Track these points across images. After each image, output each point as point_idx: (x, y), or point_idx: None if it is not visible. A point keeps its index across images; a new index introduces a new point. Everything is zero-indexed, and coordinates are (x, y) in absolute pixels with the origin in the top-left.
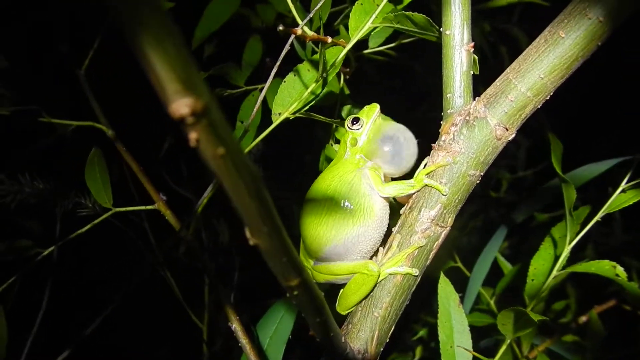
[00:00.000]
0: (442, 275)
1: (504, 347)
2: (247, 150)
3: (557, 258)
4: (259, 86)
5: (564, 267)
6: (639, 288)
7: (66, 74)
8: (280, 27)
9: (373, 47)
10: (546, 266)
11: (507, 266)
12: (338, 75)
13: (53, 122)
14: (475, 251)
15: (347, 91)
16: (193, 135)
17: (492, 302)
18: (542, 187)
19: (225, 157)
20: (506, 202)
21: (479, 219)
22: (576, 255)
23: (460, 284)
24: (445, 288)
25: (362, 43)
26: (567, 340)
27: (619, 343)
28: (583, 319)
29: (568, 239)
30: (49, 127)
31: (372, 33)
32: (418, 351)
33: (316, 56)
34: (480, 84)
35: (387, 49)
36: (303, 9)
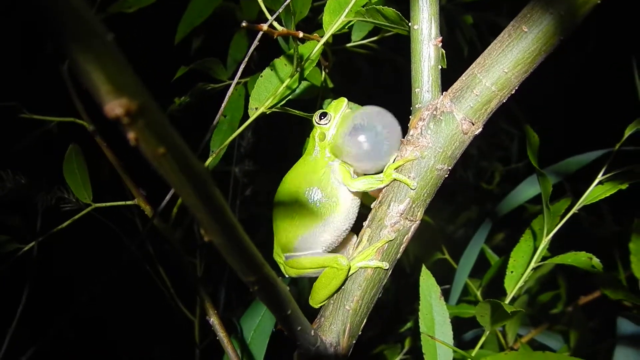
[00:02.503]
0: (423, 267)
1: (483, 339)
2: (224, 144)
3: (536, 250)
4: (242, 80)
5: (543, 259)
6: (625, 278)
7: (49, 70)
8: (244, 24)
9: (356, 40)
10: (526, 258)
11: (494, 258)
12: (319, 68)
13: (34, 118)
14: (468, 244)
15: (330, 84)
16: (131, 135)
17: (478, 294)
18: (527, 179)
19: (166, 157)
20: (500, 194)
21: (472, 211)
22: (565, 248)
23: (450, 276)
24: (426, 280)
25: (347, 36)
26: (554, 330)
27: (605, 333)
28: (569, 309)
29: (545, 231)
30: (31, 124)
31: (353, 26)
32: (407, 342)
33: (292, 51)
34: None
35: (370, 42)
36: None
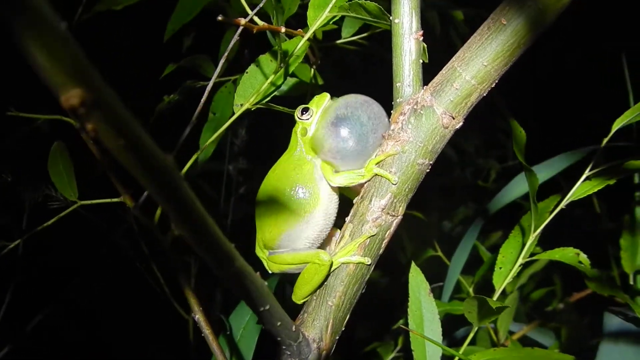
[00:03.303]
0: (412, 264)
1: (471, 335)
2: (210, 140)
3: (524, 246)
4: (232, 78)
5: (532, 255)
6: (618, 274)
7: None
8: (220, 17)
9: (346, 37)
10: (514, 254)
11: (487, 255)
12: (309, 64)
13: (21, 116)
14: None
15: (320, 81)
16: (89, 126)
17: (471, 290)
18: (517, 176)
19: (126, 147)
20: (496, 192)
21: (469, 209)
22: (557, 245)
23: (444, 274)
24: (415, 277)
25: (337, 33)
26: (547, 327)
27: (598, 330)
28: (560, 306)
29: (533, 227)
30: (18, 121)
31: (343, 23)
32: (400, 340)
33: (277, 47)
34: None
35: (361, 38)
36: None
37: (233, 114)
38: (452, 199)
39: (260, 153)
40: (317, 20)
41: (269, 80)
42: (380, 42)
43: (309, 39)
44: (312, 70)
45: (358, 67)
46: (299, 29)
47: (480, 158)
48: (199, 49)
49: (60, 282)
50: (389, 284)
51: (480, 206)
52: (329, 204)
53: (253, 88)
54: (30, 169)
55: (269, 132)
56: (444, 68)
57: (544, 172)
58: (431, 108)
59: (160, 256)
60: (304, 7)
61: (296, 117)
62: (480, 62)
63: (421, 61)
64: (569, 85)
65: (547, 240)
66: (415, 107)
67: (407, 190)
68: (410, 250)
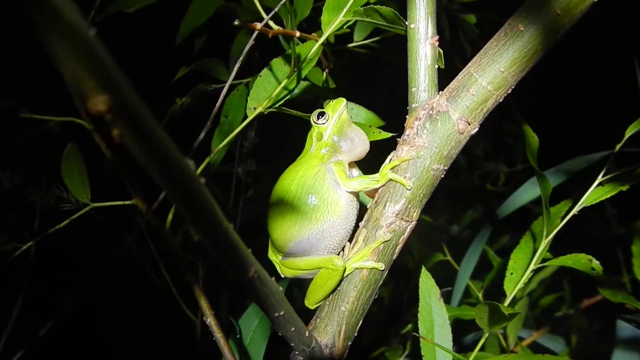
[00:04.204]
0: (423, 269)
1: (482, 341)
2: (223, 144)
3: (536, 252)
4: (244, 81)
5: (543, 261)
6: (629, 280)
7: (49, 70)
8: (236, 22)
9: (358, 40)
10: (525, 260)
11: (496, 259)
12: (321, 68)
13: (33, 118)
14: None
15: (332, 85)
16: (115, 132)
17: (480, 295)
18: (529, 180)
19: (150, 152)
20: (505, 195)
21: (477, 212)
22: (569, 250)
23: (453, 278)
24: (426, 282)
25: (349, 36)
26: (556, 333)
27: (609, 336)
28: (571, 312)
29: (545, 232)
30: (30, 123)
31: (356, 27)
32: (409, 345)
33: (290, 51)
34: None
35: (373, 42)
36: (288, 2)
37: (245, 117)
38: (459, 203)
39: (268, 155)
40: (331, 24)
41: (282, 85)
42: (391, 45)
43: (322, 43)
44: (324, 73)
45: (368, 69)
46: (312, 33)
47: (488, 161)
48: (209, 50)
49: (69, 284)
50: (394, 288)
51: (488, 209)
52: (348, 212)
53: (266, 92)
54: (41, 171)
55: (277, 134)
56: (460, 73)
57: (555, 177)
58: (447, 114)
59: (167, 258)
60: (314, 10)
61: (312, 121)
62: (497, 68)
63: (436, 66)
64: (579, 88)
65: (555, 245)
66: (430, 112)
67: (421, 195)
68: (418, 253)
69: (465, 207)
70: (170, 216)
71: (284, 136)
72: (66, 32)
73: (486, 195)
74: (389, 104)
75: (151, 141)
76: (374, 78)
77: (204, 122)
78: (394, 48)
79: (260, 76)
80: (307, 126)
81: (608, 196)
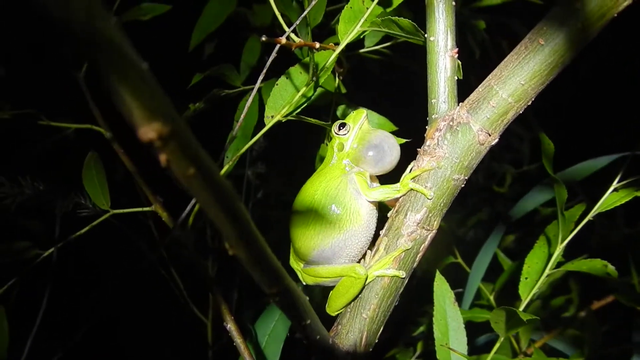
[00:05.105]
0: (437, 273)
1: (497, 345)
2: (240, 152)
3: (551, 257)
4: (256, 86)
5: (558, 265)
6: (639, 283)
7: (66, 78)
8: (264, 38)
9: (369, 46)
10: (540, 265)
11: (507, 262)
12: (333, 74)
13: (52, 125)
14: (479, 246)
15: (343, 90)
16: (163, 158)
17: (491, 298)
18: (540, 183)
19: (196, 177)
20: (512, 197)
21: (483, 213)
22: (577, 250)
23: (462, 280)
24: (440, 286)
25: (359, 42)
26: (567, 335)
27: (619, 338)
28: (582, 314)
29: (560, 237)
30: (49, 130)
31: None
32: (419, 346)
33: (307, 59)
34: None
35: (383, 48)
36: (299, 8)
37: (258, 123)
38: (466, 204)
39: (277, 158)
40: (348, 34)
41: (300, 92)
42: (402, 51)
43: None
44: (337, 80)
45: (378, 74)
46: (330, 43)
47: (494, 162)
48: (218, 55)
49: (87, 292)
50: (404, 289)
51: (494, 211)
52: (369, 221)
53: (283, 100)
54: (59, 178)
55: (286, 137)
56: (480, 86)
57: (564, 180)
58: (467, 125)
59: (178, 260)
60: (326, 16)
61: (333, 133)
62: (517, 81)
63: (456, 78)
64: (588, 92)
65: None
66: (451, 123)
67: (442, 205)
68: (428, 255)
69: (471, 208)
70: (190, 221)
71: (292, 140)
72: (125, 68)
73: (492, 196)
74: (396, 107)
75: (196, 164)
76: (383, 83)
77: (212, 127)
78: (403, 53)
79: (277, 85)
80: (315, 130)
81: (623, 202)
